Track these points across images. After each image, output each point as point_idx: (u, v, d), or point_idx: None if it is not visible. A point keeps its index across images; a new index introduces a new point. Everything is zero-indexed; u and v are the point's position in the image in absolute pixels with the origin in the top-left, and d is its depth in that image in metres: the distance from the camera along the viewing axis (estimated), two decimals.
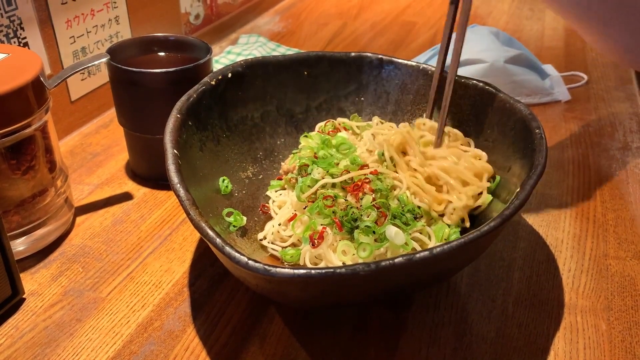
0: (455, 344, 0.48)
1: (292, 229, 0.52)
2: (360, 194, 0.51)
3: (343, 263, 0.48)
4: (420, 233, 0.51)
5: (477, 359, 0.47)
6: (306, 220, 0.52)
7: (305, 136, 0.61)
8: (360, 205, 0.50)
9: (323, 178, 0.54)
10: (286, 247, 0.53)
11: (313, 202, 0.52)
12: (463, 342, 0.49)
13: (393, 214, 0.50)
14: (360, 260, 0.48)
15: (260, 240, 0.54)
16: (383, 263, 0.38)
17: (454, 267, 0.48)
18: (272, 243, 0.54)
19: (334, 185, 0.53)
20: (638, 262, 0.57)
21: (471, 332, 0.49)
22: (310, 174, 0.55)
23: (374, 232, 0.48)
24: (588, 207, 0.65)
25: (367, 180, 0.52)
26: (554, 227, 0.62)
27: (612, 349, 0.48)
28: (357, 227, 0.49)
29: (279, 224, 0.54)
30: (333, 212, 0.50)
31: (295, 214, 0.54)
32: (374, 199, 0.51)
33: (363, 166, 0.55)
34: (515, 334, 0.49)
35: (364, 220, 0.49)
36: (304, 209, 0.53)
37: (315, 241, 0.49)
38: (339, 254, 0.49)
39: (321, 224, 0.50)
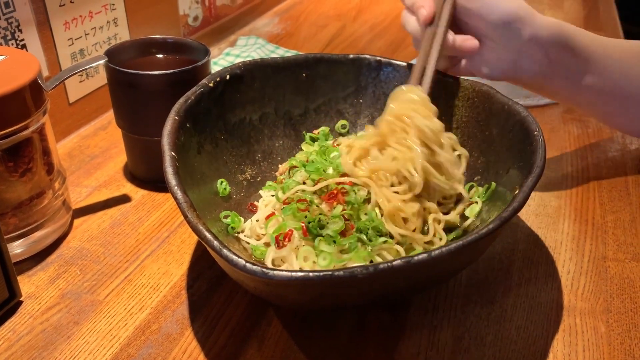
0: (454, 346, 0.48)
1: (265, 227, 0.52)
2: (335, 203, 0.50)
3: (301, 269, 0.48)
4: (388, 252, 0.49)
5: None
6: (280, 221, 0.52)
7: (312, 139, 0.61)
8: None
9: (304, 182, 0.53)
10: (259, 244, 0.53)
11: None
12: (461, 344, 0.48)
13: (359, 228, 0.49)
14: (319, 268, 0.47)
15: (238, 233, 0.54)
16: (381, 266, 0.38)
17: (453, 270, 0.48)
18: (248, 237, 0.53)
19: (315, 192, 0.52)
20: (637, 264, 0.57)
21: (470, 335, 0.49)
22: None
23: (334, 242, 0.48)
24: (587, 209, 0.65)
25: (343, 191, 0.51)
26: (552, 229, 0.62)
27: (611, 351, 0.48)
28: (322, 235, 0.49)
29: (257, 220, 0.54)
30: (305, 217, 0.50)
31: (273, 213, 0.53)
32: (343, 210, 0.50)
33: (343, 174, 0.53)
34: (513, 337, 0.49)
35: (328, 229, 0.49)
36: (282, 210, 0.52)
37: (280, 242, 0.49)
38: (300, 259, 0.48)
39: (293, 227, 0.50)
